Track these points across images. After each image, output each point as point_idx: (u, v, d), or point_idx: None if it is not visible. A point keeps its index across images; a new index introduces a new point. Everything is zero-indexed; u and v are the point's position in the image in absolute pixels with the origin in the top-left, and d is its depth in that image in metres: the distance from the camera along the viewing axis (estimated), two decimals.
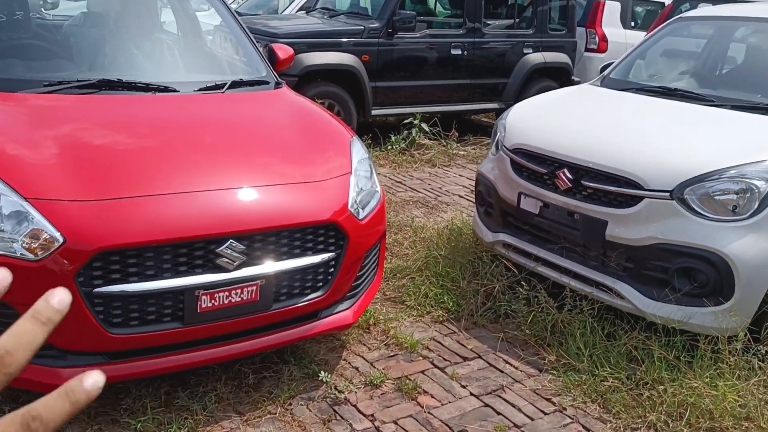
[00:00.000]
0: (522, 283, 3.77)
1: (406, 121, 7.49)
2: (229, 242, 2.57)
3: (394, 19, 7.27)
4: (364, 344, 3.47)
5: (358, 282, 3.12)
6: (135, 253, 2.44)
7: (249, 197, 2.72)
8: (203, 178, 2.70)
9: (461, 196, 6.11)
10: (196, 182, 2.67)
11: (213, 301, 2.59)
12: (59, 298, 0.50)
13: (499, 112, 9.21)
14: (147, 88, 3.27)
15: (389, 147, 7.29)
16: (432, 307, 3.86)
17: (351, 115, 7.28)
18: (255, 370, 3.13)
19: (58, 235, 2.35)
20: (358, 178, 3.11)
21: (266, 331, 2.83)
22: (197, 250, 2.54)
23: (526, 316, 3.63)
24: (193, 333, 2.62)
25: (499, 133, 4.27)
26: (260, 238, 2.66)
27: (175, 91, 3.33)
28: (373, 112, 7.47)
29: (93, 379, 0.49)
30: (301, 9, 9.51)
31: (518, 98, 8.15)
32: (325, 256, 2.85)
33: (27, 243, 2.35)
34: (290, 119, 3.42)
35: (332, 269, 2.91)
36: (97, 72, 3.41)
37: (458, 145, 7.70)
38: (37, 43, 3.74)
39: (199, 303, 2.56)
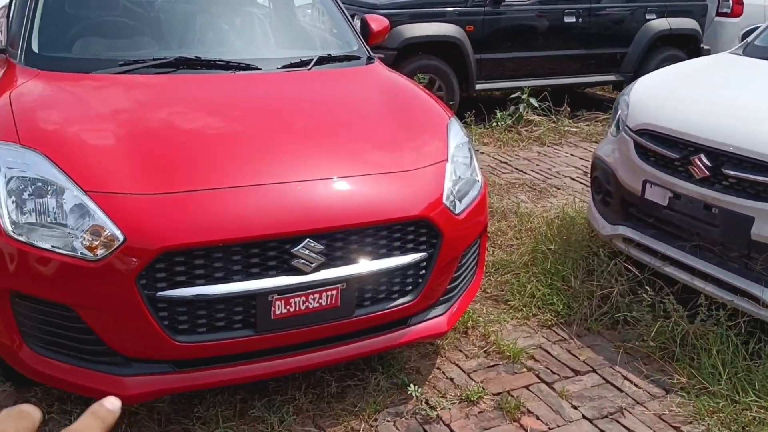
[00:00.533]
0: (645, 285, 3.27)
1: (512, 96, 6.97)
2: (305, 241, 2.26)
3: None
4: (460, 350, 3.11)
5: (454, 284, 2.75)
6: (202, 253, 2.17)
7: (329, 190, 2.39)
8: (280, 168, 2.40)
9: (573, 179, 5.58)
10: (272, 173, 2.37)
11: (288, 307, 2.30)
12: (111, 402, 0.62)
13: (616, 86, 8.50)
14: (227, 66, 3.00)
15: (494, 124, 6.82)
16: (539, 308, 3.44)
17: (453, 90, 6.85)
18: (338, 378, 2.83)
19: (118, 232, 2.12)
20: (456, 165, 2.72)
21: (348, 340, 2.52)
22: (271, 250, 2.25)
23: (649, 325, 3.14)
24: (267, 341, 2.34)
25: (620, 111, 3.74)
26: (341, 236, 2.33)
27: (256, 69, 3.04)
28: (478, 87, 7.00)
29: (111, 403, 0.62)
30: None
31: (638, 70, 7.44)
32: (416, 256, 2.49)
33: (88, 240, 2.13)
34: (381, 99, 3.06)
35: (424, 271, 2.55)
36: (179, 49, 3.18)
37: (570, 121, 7.11)
38: (122, 20, 3.55)
39: (273, 309, 2.28)
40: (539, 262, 3.74)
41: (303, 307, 2.32)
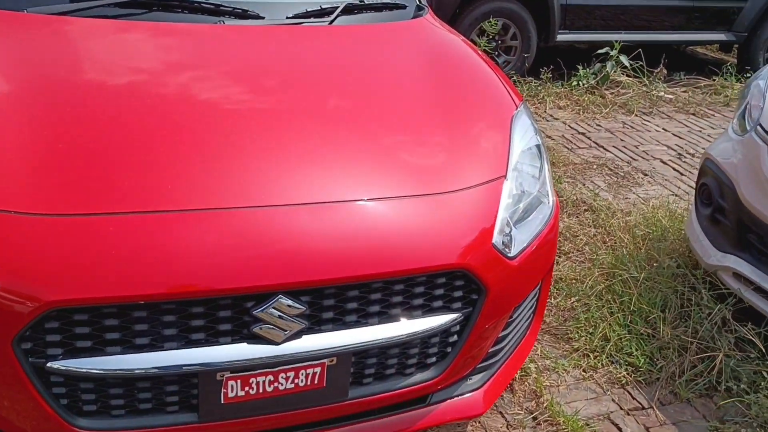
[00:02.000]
0: (759, 342, 2.41)
1: (600, 51, 5.92)
2: (277, 299, 1.51)
3: None
4: (501, 414, 2.34)
5: (498, 347, 1.97)
6: (115, 311, 1.44)
7: (318, 221, 1.60)
8: (252, 185, 1.62)
9: (664, 163, 4.62)
10: (237, 192, 1.60)
11: (247, 389, 1.57)
12: None
13: (724, 46, 7.30)
14: (216, 10, 2.19)
15: (574, 83, 5.83)
16: (611, 359, 2.62)
17: (530, 39, 5.86)
18: None
19: None
20: (519, 176, 1.90)
21: (339, 424, 1.78)
22: (222, 309, 1.50)
23: (762, 404, 2.30)
24: (216, 430, 1.63)
25: (749, 102, 2.79)
26: (330, 292, 1.57)
27: (258, 17, 2.23)
28: (559, 37, 5.99)
29: None
30: None
31: (756, 29, 6.26)
32: (444, 319, 1.71)
33: None
34: (426, 73, 2.21)
35: (455, 338, 1.77)
36: None
37: (665, 86, 6.06)
38: None
39: (223, 391, 1.55)
40: (617, 290, 2.90)
41: (269, 389, 1.59)
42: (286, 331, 1.54)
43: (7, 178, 1.51)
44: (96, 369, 1.46)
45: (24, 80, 1.79)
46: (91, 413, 1.53)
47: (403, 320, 1.67)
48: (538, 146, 2.05)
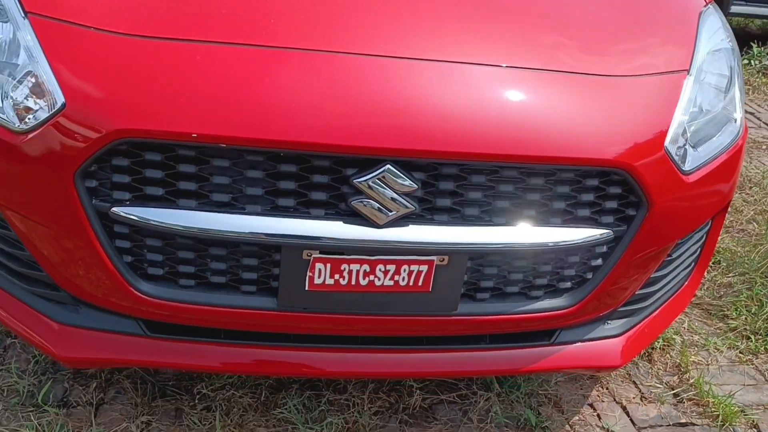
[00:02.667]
0: None
1: None
2: (383, 169, 1.21)
3: None
4: (634, 382, 1.95)
5: (649, 290, 1.58)
6: (192, 154, 1.20)
7: (440, 83, 1.28)
8: (367, 29, 1.33)
9: None
10: (351, 35, 1.31)
11: (337, 277, 1.29)
12: None
13: None
14: None
15: (746, 62, 5.16)
16: None
17: None
18: (427, 387, 1.82)
19: (57, 90, 1.20)
20: (702, 85, 1.50)
21: (443, 346, 1.48)
22: (318, 173, 1.23)
23: None
24: (294, 324, 1.37)
25: None
26: (450, 173, 1.25)
27: None
28: (733, 9, 5.31)
29: None
30: None
31: None
32: (590, 233, 1.36)
33: (21, 97, 1.24)
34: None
35: (599, 261, 1.41)
36: None
37: None
38: None
39: (309, 274, 1.28)
40: None
41: (363, 282, 1.30)
42: (391, 212, 1.24)
43: None
44: (166, 222, 1.23)
45: None
46: (156, 278, 1.31)
47: (537, 226, 1.33)
48: (729, 51, 1.63)
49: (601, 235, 1.36)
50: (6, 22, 1.26)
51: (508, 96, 1.30)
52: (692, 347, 2.12)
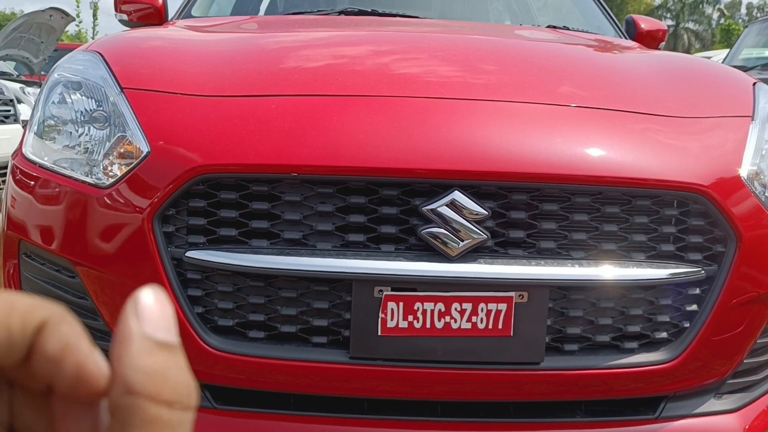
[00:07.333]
0: None
1: None
2: (451, 194, 1.22)
3: None
4: None
5: (762, 359, 1.42)
6: (266, 187, 1.24)
7: (508, 116, 1.32)
8: (445, 84, 1.43)
9: None
10: (423, 86, 1.41)
11: (411, 318, 1.23)
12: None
13: None
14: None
15: None
16: None
17: None
18: None
19: (143, 140, 1.30)
20: (766, 129, 1.49)
21: (531, 420, 1.33)
22: (386, 204, 1.24)
23: None
24: (365, 381, 1.27)
25: None
26: (521, 200, 1.24)
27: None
28: None
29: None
30: None
31: None
32: (676, 270, 1.27)
33: (109, 159, 1.34)
34: (649, 69, 1.91)
35: (693, 306, 1.30)
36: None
37: None
38: None
39: (381, 316, 1.22)
40: None
41: (439, 324, 1.23)
42: (463, 241, 1.22)
43: (191, 74, 1.45)
44: (239, 264, 1.23)
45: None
46: (225, 330, 1.27)
47: (618, 260, 1.27)
48: None
49: (688, 272, 1.27)
50: (105, 99, 1.41)
51: (572, 125, 1.33)
52: None
